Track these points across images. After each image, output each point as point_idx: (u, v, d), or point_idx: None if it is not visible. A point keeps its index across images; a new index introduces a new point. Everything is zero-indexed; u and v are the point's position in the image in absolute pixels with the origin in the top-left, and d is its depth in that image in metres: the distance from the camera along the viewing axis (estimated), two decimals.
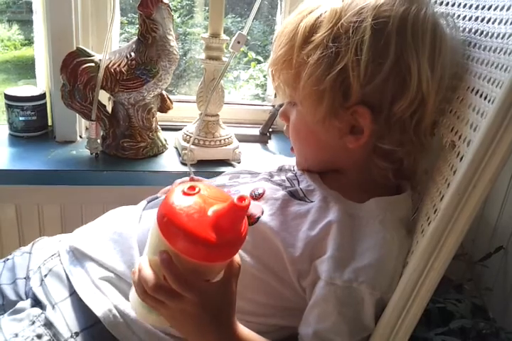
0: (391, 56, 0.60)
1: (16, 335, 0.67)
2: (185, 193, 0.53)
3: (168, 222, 0.51)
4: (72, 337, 0.67)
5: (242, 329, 0.60)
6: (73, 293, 0.71)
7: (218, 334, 0.58)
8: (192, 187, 0.54)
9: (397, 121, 0.63)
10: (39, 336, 0.67)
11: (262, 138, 1.35)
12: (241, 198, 0.50)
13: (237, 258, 0.58)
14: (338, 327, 0.61)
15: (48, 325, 0.68)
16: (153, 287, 0.54)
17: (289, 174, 0.73)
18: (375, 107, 0.62)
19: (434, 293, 0.58)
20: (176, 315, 0.57)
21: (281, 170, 0.76)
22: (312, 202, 0.67)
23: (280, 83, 0.68)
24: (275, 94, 1.42)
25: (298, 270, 0.64)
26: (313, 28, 0.62)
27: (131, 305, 0.64)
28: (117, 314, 0.67)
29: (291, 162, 0.78)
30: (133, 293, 0.60)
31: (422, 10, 0.61)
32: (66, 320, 0.68)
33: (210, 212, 0.52)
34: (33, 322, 0.68)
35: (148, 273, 0.55)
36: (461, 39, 0.66)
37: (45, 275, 0.75)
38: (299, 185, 0.70)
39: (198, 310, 0.55)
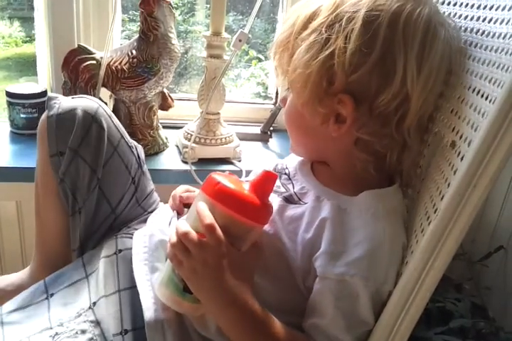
0: (378, 48, 0.61)
1: (61, 325, 0.67)
2: (221, 175, 0.64)
3: (220, 188, 0.61)
4: (120, 333, 0.66)
5: (256, 302, 0.62)
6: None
7: (233, 293, 0.60)
8: (225, 174, 0.65)
9: (380, 114, 0.63)
10: (83, 331, 0.66)
11: (263, 137, 1.35)
12: (268, 171, 0.63)
13: (260, 240, 0.65)
14: (335, 321, 0.62)
15: (95, 322, 0.67)
16: (183, 233, 0.60)
17: (283, 177, 0.74)
18: (358, 97, 0.63)
19: (433, 292, 0.58)
20: (197, 267, 0.59)
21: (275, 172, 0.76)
22: (306, 203, 0.68)
23: (277, 65, 0.70)
24: (276, 93, 1.42)
25: (302, 272, 0.65)
26: (313, 16, 0.65)
27: (158, 289, 0.65)
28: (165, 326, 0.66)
29: (284, 161, 0.78)
30: (163, 272, 0.65)
31: (417, 8, 0.62)
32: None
33: (245, 185, 0.63)
34: (80, 315, 0.68)
35: (183, 223, 0.62)
36: (461, 40, 0.66)
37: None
38: (293, 188, 0.71)
39: (219, 261, 0.59)
